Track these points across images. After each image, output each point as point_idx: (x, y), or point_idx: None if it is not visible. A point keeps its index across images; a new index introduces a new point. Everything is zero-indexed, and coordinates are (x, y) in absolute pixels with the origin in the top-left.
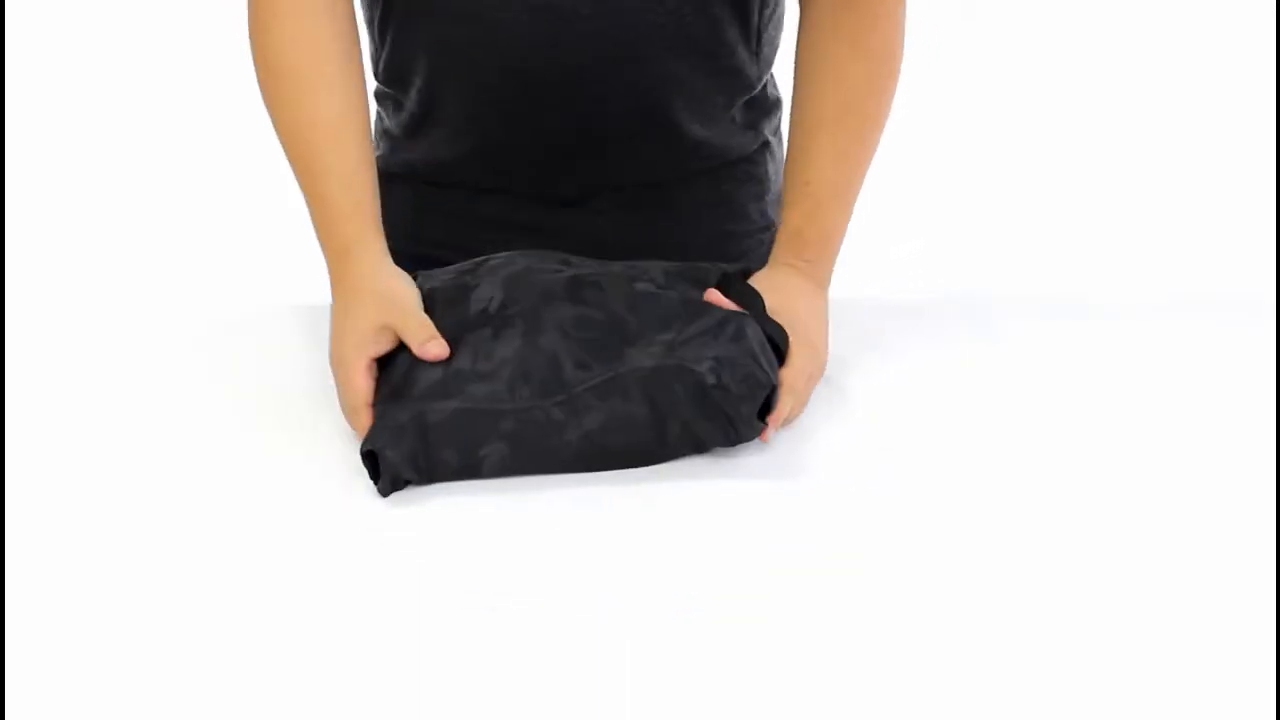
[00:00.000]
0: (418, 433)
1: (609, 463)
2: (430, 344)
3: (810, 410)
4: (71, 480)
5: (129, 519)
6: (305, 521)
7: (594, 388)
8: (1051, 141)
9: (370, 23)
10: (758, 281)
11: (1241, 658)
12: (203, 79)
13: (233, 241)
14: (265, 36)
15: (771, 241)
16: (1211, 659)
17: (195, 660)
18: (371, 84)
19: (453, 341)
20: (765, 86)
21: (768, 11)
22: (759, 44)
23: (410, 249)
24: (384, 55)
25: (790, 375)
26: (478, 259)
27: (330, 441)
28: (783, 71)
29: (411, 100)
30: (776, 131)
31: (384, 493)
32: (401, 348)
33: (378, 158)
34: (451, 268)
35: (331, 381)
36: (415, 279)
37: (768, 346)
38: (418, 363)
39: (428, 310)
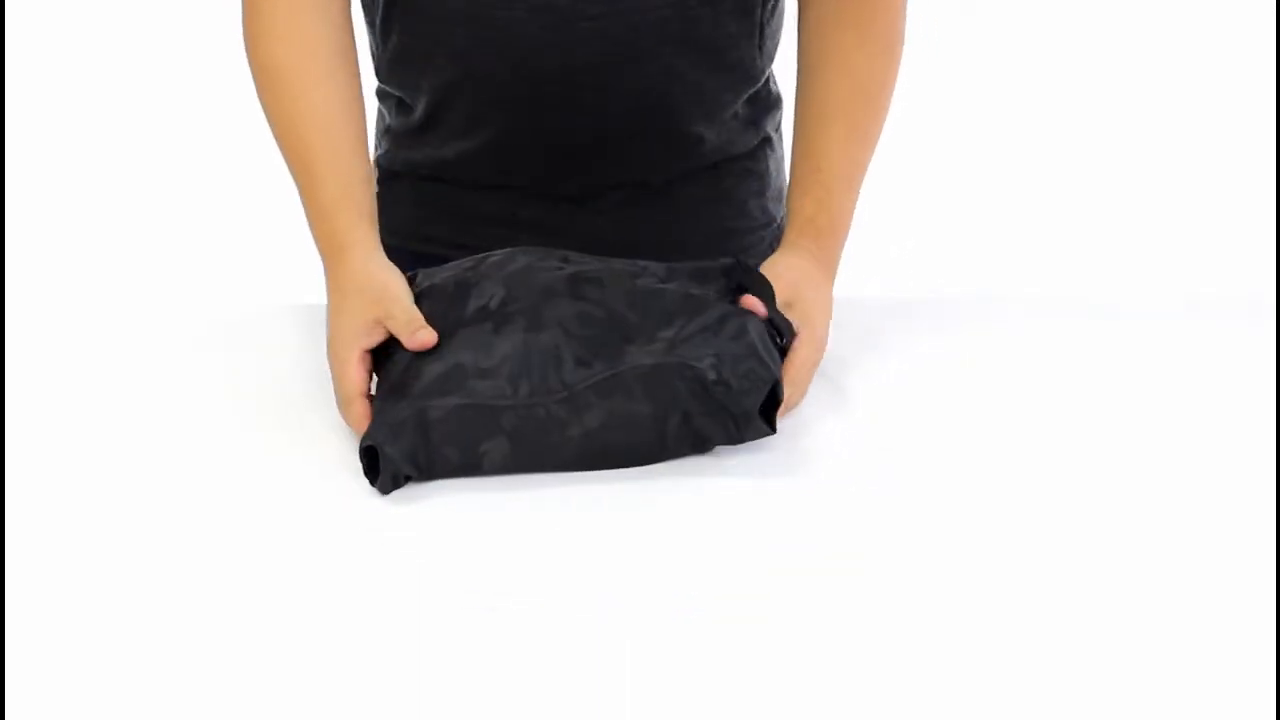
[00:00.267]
0: (418, 429)
1: (610, 460)
2: (420, 333)
3: (810, 409)
4: (71, 480)
5: (129, 519)
6: (305, 521)
7: (595, 385)
8: (1052, 142)
9: (372, 23)
10: (769, 267)
11: (1241, 658)
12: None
13: (233, 241)
14: (256, 36)
15: (772, 238)
16: (1212, 659)
17: (195, 660)
18: (373, 83)
19: (453, 338)
20: (768, 82)
21: (770, 5)
22: (762, 38)
23: (411, 247)
24: (386, 55)
25: (793, 367)
26: (478, 256)
27: (330, 441)
28: (782, 68)
29: (415, 100)
30: (778, 129)
31: (384, 490)
32: (400, 344)
33: (379, 156)
34: (452, 265)
35: (329, 381)
36: (416, 276)
37: (770, 342)
38: (418, 359)
39: (429, 306)
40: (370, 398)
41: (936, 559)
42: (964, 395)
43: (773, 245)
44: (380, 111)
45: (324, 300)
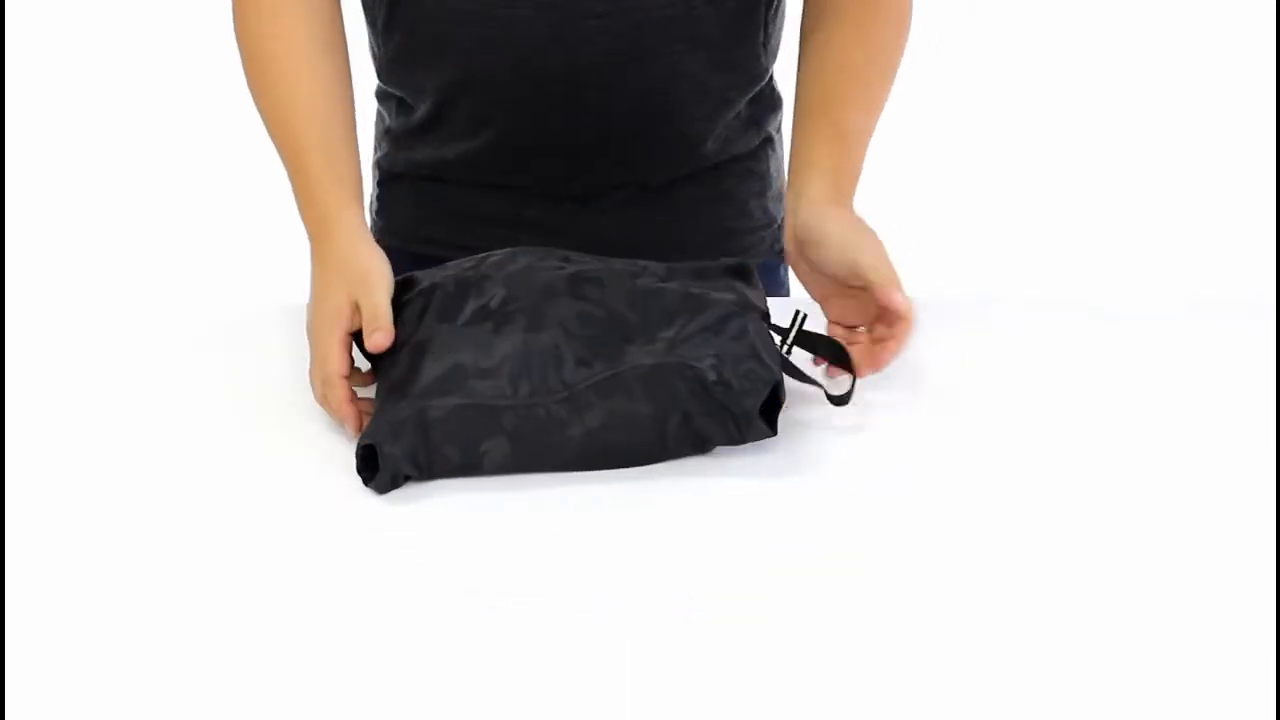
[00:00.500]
0: (418, 428)
1: (610, 460)
2: (376, 334)
3: (810, 410)
4: (71, 480)
5: (128, 518)
6: (305, 521)
7: (595, 385)
8: (1052, 143)
9: (373, 23)
10: (823, 224)
11: (1242, 658)
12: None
13: (232, 241)
14: (246, 24)
15: (772, 238)
16: (1212, 659)
17: (195, 660)
18: (371, 85)
19: (454, 338)
20: (770, 81)
21: (774, 4)
22: (766, 37)
23: (411, 248)
24: (388, 55)
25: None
26: (479, 255)
27: (330, 442)
28: (783, 69)
29: (417, 100)
30: (779, 129)
31: (381, 489)
32: (401, 343)
33: (380, 158)
34: (452, 264)
35: None
36: (416, 276)
37: (771, 343)
38: (418, 359)
39: (430, 307)
40: (348, 379)
41: (936, 559)
42: (964, 395)
43: (773, 245)
44: (380, 113)
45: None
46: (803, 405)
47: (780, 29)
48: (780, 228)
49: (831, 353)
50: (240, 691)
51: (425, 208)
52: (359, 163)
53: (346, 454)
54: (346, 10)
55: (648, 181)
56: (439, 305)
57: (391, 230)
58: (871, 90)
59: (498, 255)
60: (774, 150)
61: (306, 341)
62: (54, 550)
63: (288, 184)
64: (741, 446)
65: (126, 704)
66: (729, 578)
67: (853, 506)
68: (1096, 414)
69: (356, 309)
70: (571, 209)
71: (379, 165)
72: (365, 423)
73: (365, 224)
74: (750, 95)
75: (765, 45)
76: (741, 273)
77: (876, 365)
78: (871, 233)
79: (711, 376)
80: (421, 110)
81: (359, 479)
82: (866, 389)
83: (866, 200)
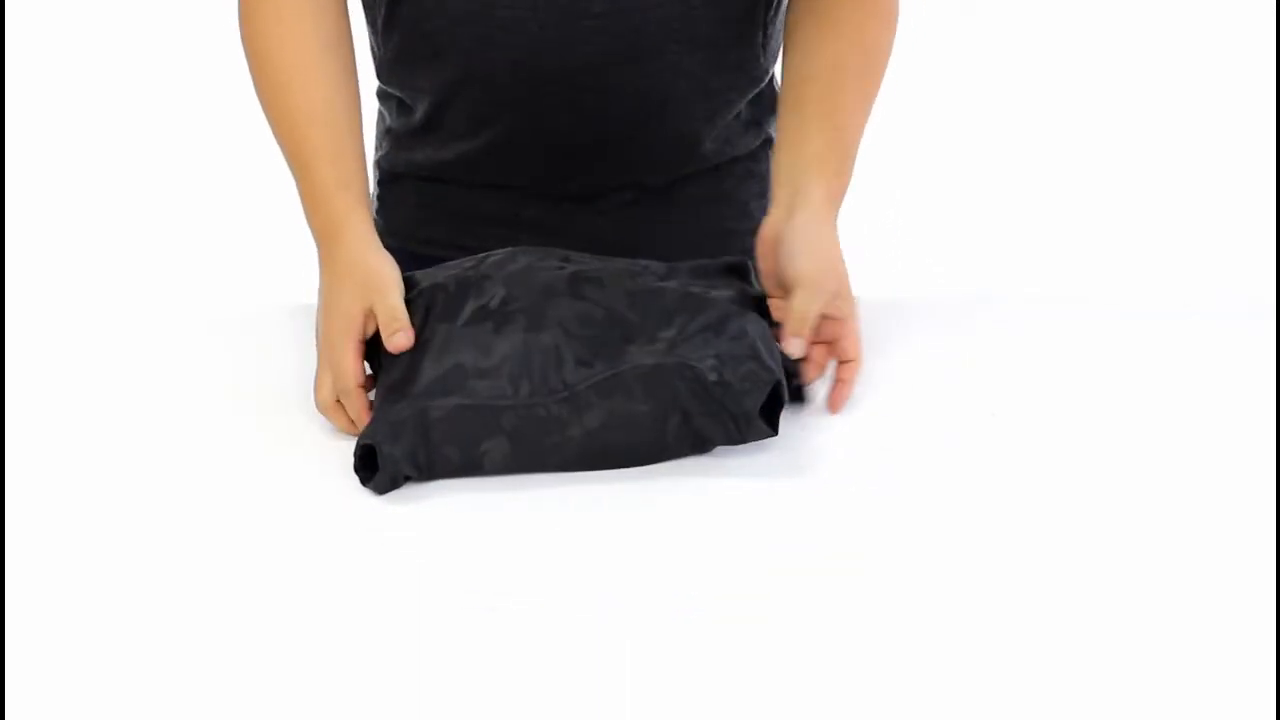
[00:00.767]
0: (418, 429)
1: (611, 460)
2: (398, 335)
3: (810, 410)
4: (70, 480)
5: (128, 518)
6: (305, 521)
7: (595, 385)
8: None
9: (373, 23)
10: (793, 226)
11: (1242, 659)
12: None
13: (232, 241)
14: (251, 25)
15: None
16: (1212, 659)
17: (195, 660)
18: (373, 85)
19: (454, 338)
20: (770, 82)
21: (773, 4)
22: (765, 38)
23: (411, 248)
24: (388, 55)
25: (849, 339)
26: (479, 255)
27: (330, 441)
28: None
29: (417, 100)
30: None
31: (380, 489)
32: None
33: (380, 158)
34: (452, 264)
35: None
36: (416, 277)
37: (772, 342)
38: (418, 359)
39: (430, 306)
40: (364, 388)
41: (936, 559)
42: (964, 395)
43: None
44: (380, 113)
45: (315, 300)
46: (802, 406)
47: (780, 30)
48: None
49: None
50: (240, 691)
51: (426, 208)
52: (365, 165)
53: (347, 454)
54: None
55: (647, 182)
56: (439, 305)
57: (392, 230)
58: (866, 90)
59: (498, 255)
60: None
61: (310, 341)
62: (53, 548)
63: (291, 186)
64: (742, 446)
65: (126, 704)
66: (729, 578)
67: (853, 506)
68: (1096, 414)
69: (369, 315)
70: (570, 209)
71: (379, 165)
72: None
73: (373, 227)
74: (750, 96)
75: (765, 46)
76: (740, 270)
77: (832, 406)
78: (835, 263)
79: (712, 377)
80: (421, 111)
81: (358, 479)
82: (867, 389)
83: (867, 200)
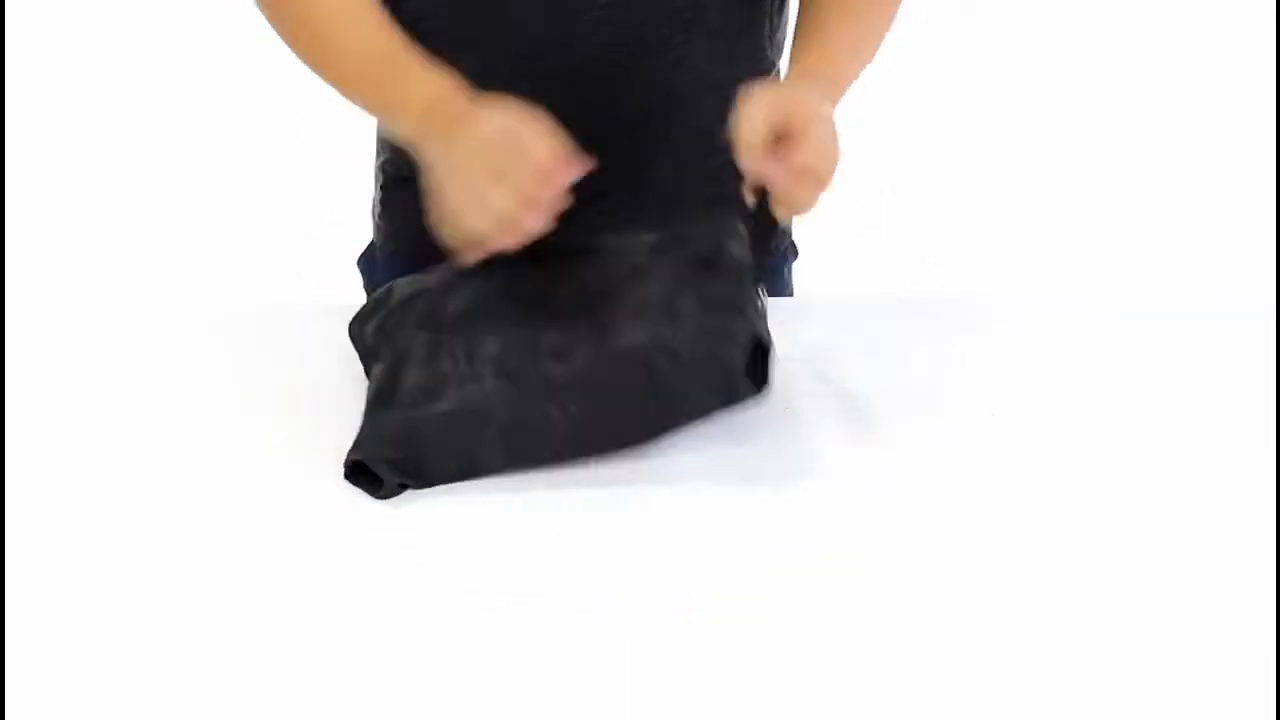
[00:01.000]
0: (406, 441)
1: (604, 444)
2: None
3: (810, 410)
4: (69, 480)
5: (127, 519)
6: (305, 521)
7: (579, 374)
8: (1052, 143)
9: None
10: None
11: (1242, 659)
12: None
13: (232, 241)
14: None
15: (779, 240)
16: (1212, 660)
17: (195, 660)
18: None
19: (435, 345)
20: (778, 75)
21: None
22: (772, 29)
23: (414, 251)
24: None
25: (813, 143)
26: (457, 262)
27: (330, 441)
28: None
29: None
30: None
31: (386, 496)
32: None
33: (383, 162)
34: (435, 271)
35: (331, 381)
36: (398, 286)
37: (753, 296)
38: (401, 369)
39: (409, 315)
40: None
41: (936, 560)
42: (964, 396)
43: (778, 246)
44: None
45: (323, 300)
46: (802, 406)
47: (786, 23)
48: (785, 229)
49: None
50: (240, 692)
51: (428, 211)
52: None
53: (344, 453)
54: None
55: (653, 180)
56: (420, 312)
57: (395, 235)
58: (865, 32)
59: (478, 261)
60: None
61: (306, 340)
62: (52, 548)
63: (291, 187)
64: (740, 447)
65: (126, 704)
66: (729, 578)
67: (853, 507)
68: (1096, 414)
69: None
70: (574, 209)
71: (383, 169)
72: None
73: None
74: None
75: (771, 38)
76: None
77: (793, 203)
78: (794, 88)
79: (688, 352)
80: None
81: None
82: (867, 389)
83: (867, 200)
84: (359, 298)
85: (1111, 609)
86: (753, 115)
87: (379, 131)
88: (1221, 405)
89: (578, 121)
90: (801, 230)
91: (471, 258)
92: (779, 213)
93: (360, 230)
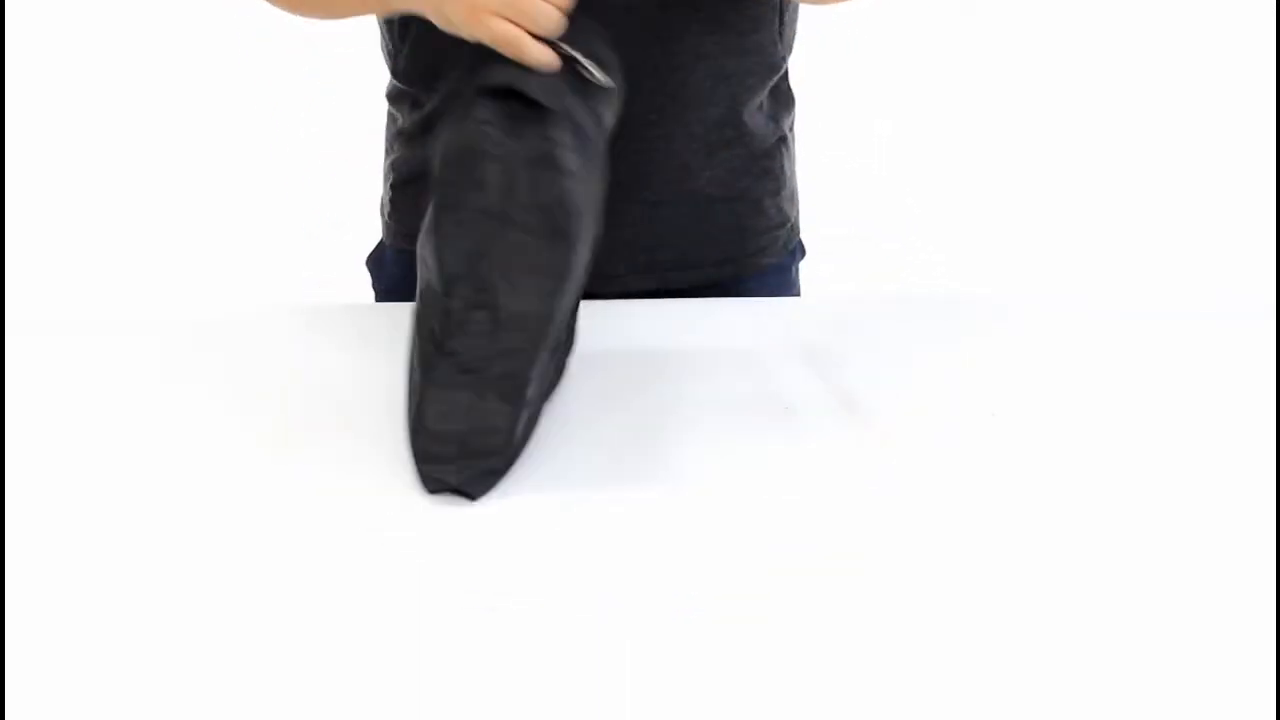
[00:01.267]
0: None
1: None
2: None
3: (810, 410)
4: (69, 480)
5: (126, 519)
6: (305, 521)
7: None
8: (1053, 143)
9: (389, 19)
10: None
11: (1242, 660)
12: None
13: (233, 241)
14: None
15: (786, 238)
16: (1212, 661)
17: (194, 661)
18: (386, 85)
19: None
20: (785, 76)
21: None
22: (781, 24)
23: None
24: (405, 49)
25: None
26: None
27: (330, 441)
28: (797, 73)
29: (431, 95)
30: (792, 128)
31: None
32: None
33: (394, 161)
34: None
35: (329, 381)
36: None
37: None
38: None
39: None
40: None
41: (936, 560)
42: (964, 395)
43: (786, 245)
44: (391, 115)
45: (323, 300)
46: (802, 406)
47: (795, 20)
48: (794, 227)
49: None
50: (241, 692)
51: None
52: None
53: (347, 453)
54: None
55: (665, 177)
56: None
57: (405, 233)
58: None
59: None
60: (788, 150)
61: (307, 342)
62: (51, 548)
63: (291, 187)
64: (740, 446)
65: (126, 704)
66: (729, 578)
67: (853, 506)
68: (1096, 414)
69: None
70: None
71: (394, 168)
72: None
73: None
74: (768, 86)
75: (781, 34)
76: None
77: None
78: None
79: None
80: (435, 106)
81: (359, 479)
82: (867, 389)
83: (868, 200)
84: (359, 298)
85: (1112, 609)
86: None
87: (387, 131)
88: (1221, 405)
89: None
90: (810, 230)
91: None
92: None
93: (360, 230)
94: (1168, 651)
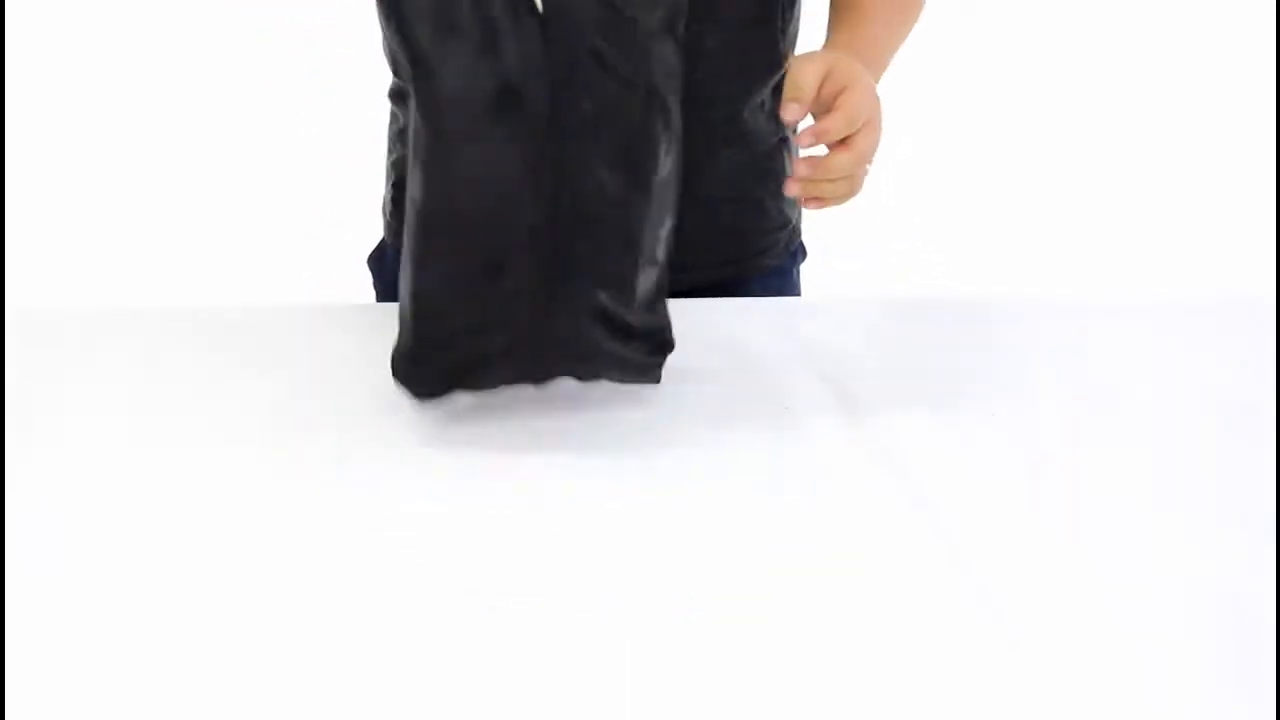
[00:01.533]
0: None
1: None
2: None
3: (810, 410)
4: (69, 478)
5: (126, 518)
6: (305, 521)
7: None
8: (1053, 144)
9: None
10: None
11: (1242, 661)
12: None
13: (233, 240)
14: None
15: (787, 239)
16: (1212, 662)
17: (194, 661)
18: (388, 84)
19: None
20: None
21: None
22: (784, 22)
23: None
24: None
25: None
26: None
27: (329, 440)
28: None
29: None
30: (795, 130)
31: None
32: None
33: (394, 161)
34: None
35: (330, 381)
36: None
37: None
38: None
39: None
40: None
41: (936, 560)
42: (964, 396)
43: (787, 246)
44: (393, 114)
45: (323, 301)
46: (803, 406)
47: (798, 18)
48: (795, 228)
49: None
50: (240, 692)
51: None
52: None
53: (346, 453)
54: (360, 9)
55: None
56: None
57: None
58: (904, 20)
59: None
60: (789, 151)
61: (306, 342)
62: (50, 548)
63: (291, 189)
64: (739, 445)
65: (126, 704)
66: (729, 578)
67: (853, 506)
68: (1096, 414)
69: None
70: None
71: (395, 167)
72: None
73: None
74: (771, 84)
75: (784, 31)
76: None
77: (808, 137)
78: (838, 57)
79: None
80: None
81: (359, 479)
82: (867, 389)
83: (869, 200)
84: (359, 298)
85: (1112, 609)
86: (803, 68)
87: (389, 131)
88: (1221, 405)
89: None
90: (811, 232)
91: None
92: (811, 202)
93: (361, 230)
94: (1168, 651)
